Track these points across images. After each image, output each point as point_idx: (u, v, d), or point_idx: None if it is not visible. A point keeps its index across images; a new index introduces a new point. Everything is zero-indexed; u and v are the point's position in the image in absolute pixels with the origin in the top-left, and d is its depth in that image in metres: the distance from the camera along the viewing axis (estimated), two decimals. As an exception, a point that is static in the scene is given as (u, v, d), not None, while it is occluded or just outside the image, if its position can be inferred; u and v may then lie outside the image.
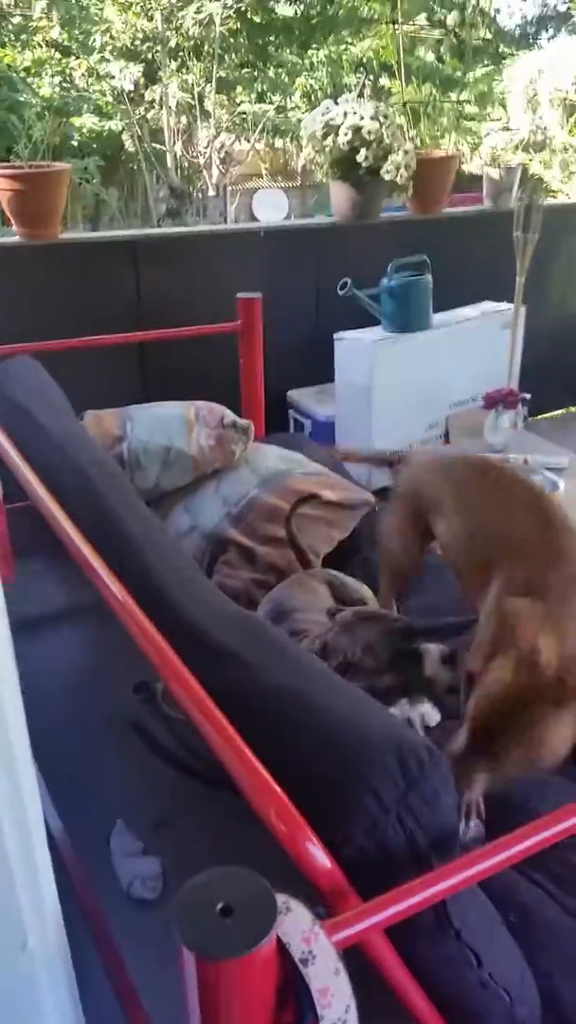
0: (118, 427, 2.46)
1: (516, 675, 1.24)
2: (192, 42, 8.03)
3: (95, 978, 1.38)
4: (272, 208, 8.77)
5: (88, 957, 1.45)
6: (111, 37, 7.75)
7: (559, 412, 4.62)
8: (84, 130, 8.02)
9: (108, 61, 7.81)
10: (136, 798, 1.82)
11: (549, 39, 9.46)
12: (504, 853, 0.85)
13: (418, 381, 3.38)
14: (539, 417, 4.30)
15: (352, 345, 3.29)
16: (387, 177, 3.35)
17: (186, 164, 8.71)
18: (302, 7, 8.65)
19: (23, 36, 7.73)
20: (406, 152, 3.34)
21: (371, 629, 1.64)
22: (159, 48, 7.75)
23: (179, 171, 8.56)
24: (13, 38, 7.70)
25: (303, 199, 9.96)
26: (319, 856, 0.83)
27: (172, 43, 7.90)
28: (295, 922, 0.73)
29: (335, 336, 3.34)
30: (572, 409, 4.54)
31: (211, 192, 8.51)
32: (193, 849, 1.62)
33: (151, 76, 8.09)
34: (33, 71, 7.75)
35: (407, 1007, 0.94)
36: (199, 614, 1.25)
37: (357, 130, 3.30)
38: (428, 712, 1.64)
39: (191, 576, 1.43)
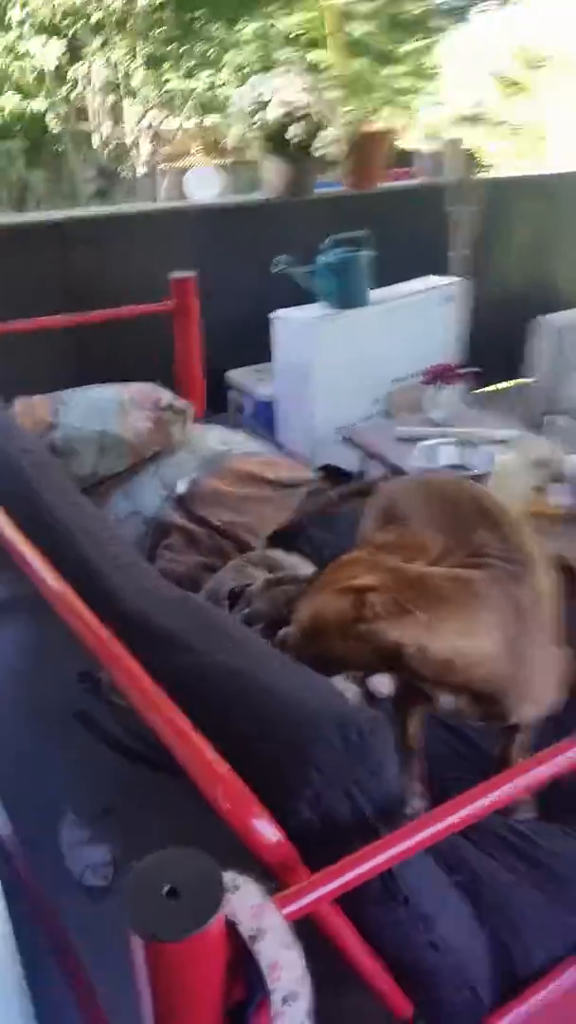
0: (50, 413, 2.41)
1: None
2: (116, 16, 7.85)
3: (47, 970, 1.37)
4: (205, 186, 8.66)
5: (40, 950, 1.43)
6: (30, 12, 7.53)
7: (501, 385, 4.67)
8: (5, 112, 7.80)
9: (27, 38, 7.59)
10: (83, 787, 1.79)
11: (481, 12, 9.47)
12: (448, 819, 0.86)
13: (359, 358, 3.38)
14: (481, 390, 4.35)
15: (289, 323, 3.27)
16: (319, 153, 3.33)
17: (114, 144, 8.54)
18: (229, -21, 8.53)
19: None
20: (338, 127, 3.32)
21: (287, 588, 1.64)
22: (81, 23, 7.56)
23: (107, 151, 8.39)
24: None
25: (236, 177, 9.86)
26: (266, 831, 0.83)
27: (95, 18, 7.72)
28: (244, 899, 0.73)
29: (272, 315, 3.31)
30: (513, 382, 4.59)
31: (141, 172, 8.37)
32: (143, 834, 1.60)
33: (74, 53, 7.89)
34: (-52, 50, 7.52)
35: (361, 973, 0.94)
36: (137, 600, 1.24)
37: (287, 105, 3.27)
38: (381, 681, 1.67)
39: (129, 562, 1.42)
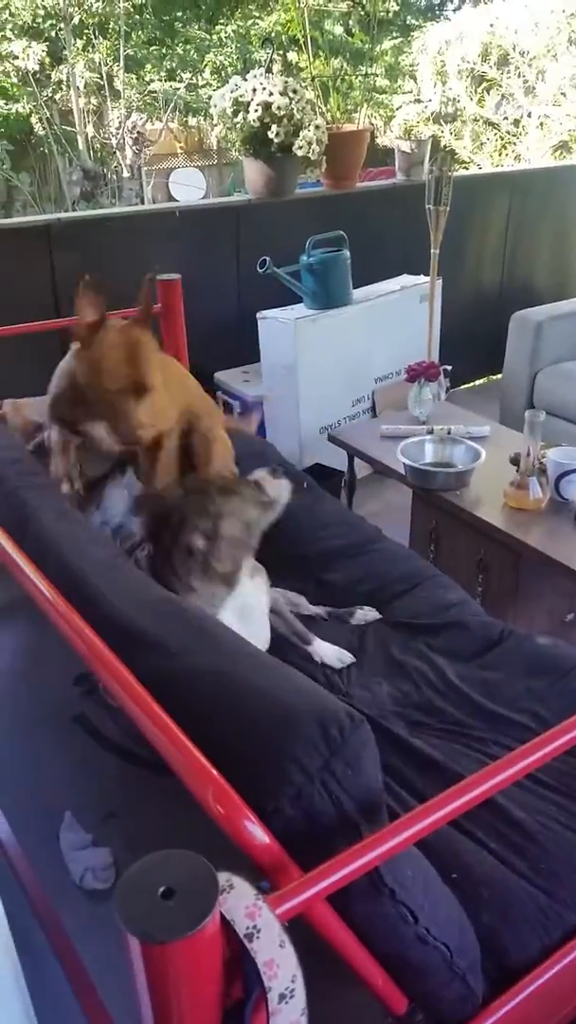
0: (39, 414, 2.41)
1: None
2: (97, 18, 7.84)
3: (50, 972, 1.38)
4: (189, 187, 8.66)
5: (41, 952, 1.44)
6: (11, 15, 7.52)
7: (478, 382, 4.70)
8: (-10, 114, 7.79)
9: (9, 40, 7.57)
10: (83, 790, 1.81)
11: (455, 10, 9.51)
12: (434, 815, 0.87)
13: (342, 357, 3.40)
14: (460, 387, 4.38)
15: (275, 323, 3.28)
16: (299, 153, 3.34)
17: (99, 146, 8.53)
18: (207, -20, 8.53)
19: None
20: (317, 127, 3.33)
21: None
22: (63, 26, 7.55)
23: (92, 153, 8.38)
24: None
25: (220, 177, 9.86)
26: (258, 833, 0.84)
27: (76, 20, 7.70)
28: (238, 899, 0.75)
29: (258, 315, 3.33)
30: (490, 378, 4.62)
31: (126, 174, 8.36)
32: (143, 836, 1.62)
33: (56, 55, 7.88)
34: None
35: (352, 967, 0.96)
36: (119, 603, 1.25)
37: (267, 106, 3.28)
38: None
39: (111, 566, 1.43)
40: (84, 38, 8.02)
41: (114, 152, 8.42)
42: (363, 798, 0.95)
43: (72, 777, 1.86)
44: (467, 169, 6.28)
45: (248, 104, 3.30)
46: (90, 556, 1.42)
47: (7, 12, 7.49)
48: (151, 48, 8.89)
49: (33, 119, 8.14)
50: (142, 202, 8.16)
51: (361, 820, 0.94)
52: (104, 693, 1.92)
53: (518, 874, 1.26)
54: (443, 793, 0.88)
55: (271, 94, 3.27)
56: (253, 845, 0.84)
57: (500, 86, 6.91)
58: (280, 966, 0.75)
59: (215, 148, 9.83)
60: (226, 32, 9.10)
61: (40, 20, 7.66)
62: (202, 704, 1.04)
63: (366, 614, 1.93)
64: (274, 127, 3.29)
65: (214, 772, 0.87)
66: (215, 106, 3.42)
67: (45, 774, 1.87)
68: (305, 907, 0.81)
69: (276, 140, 3.32)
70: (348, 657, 1.79)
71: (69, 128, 8.25)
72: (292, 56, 7.19)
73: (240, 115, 3.33)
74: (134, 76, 8.69)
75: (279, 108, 3.27)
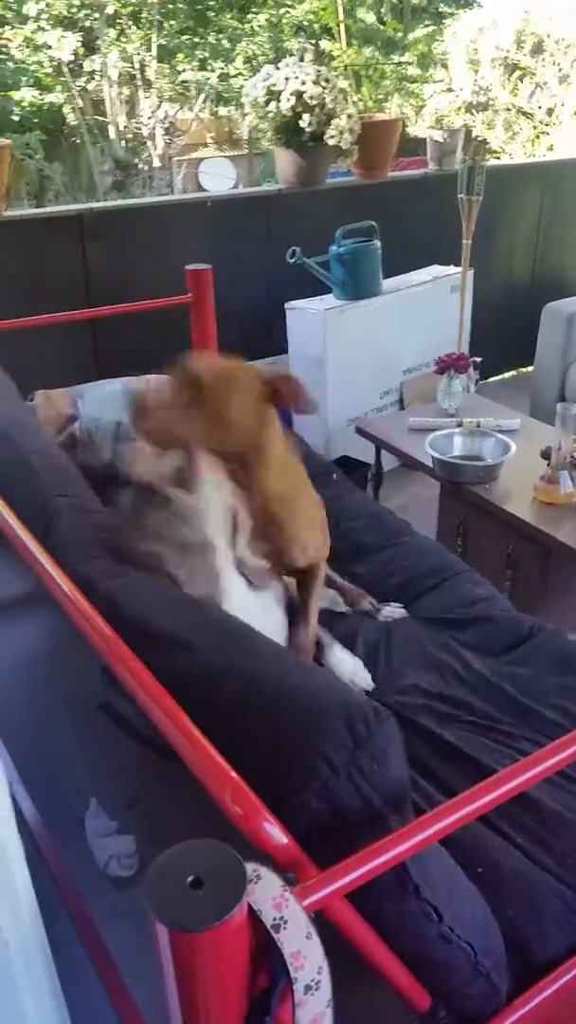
0: (70, 405, 2.42)
1: None
2: (130, 8, 7.84)
3: (76, 959, 1.40)
4: (219, 177, 8.66)
5: (68, 939, 1.46)
6: (47, 5, 7.54)
7: (508, 374, 4.66)
8: (24, 104, 7.82)
9: (45, 31, 7.60)
10: (108, 778, 1.82)
11: (489, -3, 9.39)
12: (461, 811, 0.87)
13: (371, 348, 3.39)
14: (489, 380, 4.34)
15: (303, 314, 3.27)
16: (331, 142, 3.32)
17: (130, 135, 8.55)
18: (240, -30, 8.51)
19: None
20: (349, 116, 3.31)
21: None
22: (96, 16, 7.56)
23: (123, 143, 8.40)
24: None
25: (250, 167, 9.84)
26: (275, 834, 0.84)
27: (110, 10, 7.71)
28: (266, 889, 0.75)
29: (287, 305, 3.32)
30: (521, 370, 4.58)
31: (156, 163, 8.37)
32: (167, 825, 1.63)
33: (90, 45, 7.90)
34: (-34, 44, 7.54)
35: (374, 965, 0.96)
36: (139, 602, 1.25)
37: (299, 95, 3.26)
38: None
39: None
40: (117, 28, 8.03)
41: (145, 142, 8.43)
42: (389, 792, 0.95)
43: (97, 764, 1.87)
44: (498, 159, 6.20)
45: (280, 93, 3.29)
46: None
47: (43, 3, 7.50)
48: (183, 37, 8.88)
49: (66, 109, 8.17)
50: (172, 192, 8.17)
51: (387, 814, 0.93)
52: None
53: (544, 869, 1.26)
54: (470, 789, 0.88)
55: (303, 83, 3.25)
56: (272, 845, 0.84)
57: (534, 74, 6.82)
58: (307, 957, 0.75)
59: (245, 138, 9.80)
60: (258, 21, 9.06)
61: (75, 10, 7.68)
62: (227, 702, 1.04)
63: (393, 612, 1.92)
64: (306, 116, 3.28)
65: (232, 773, 0.87)
66: (247, 95, 3.41)
67: (71, 761, 1.88)
68: (326, 903, 0.81)
69: (308, 129, 3.30)
70: (363, 681, 1.71)
71: (101, 118, 8.27)
72: (324, 44, 7.15)
73: (272, 104, 3.32)
74: (166, 66, 8.69)
75: (311, 97, 3.25)
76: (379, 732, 0.95)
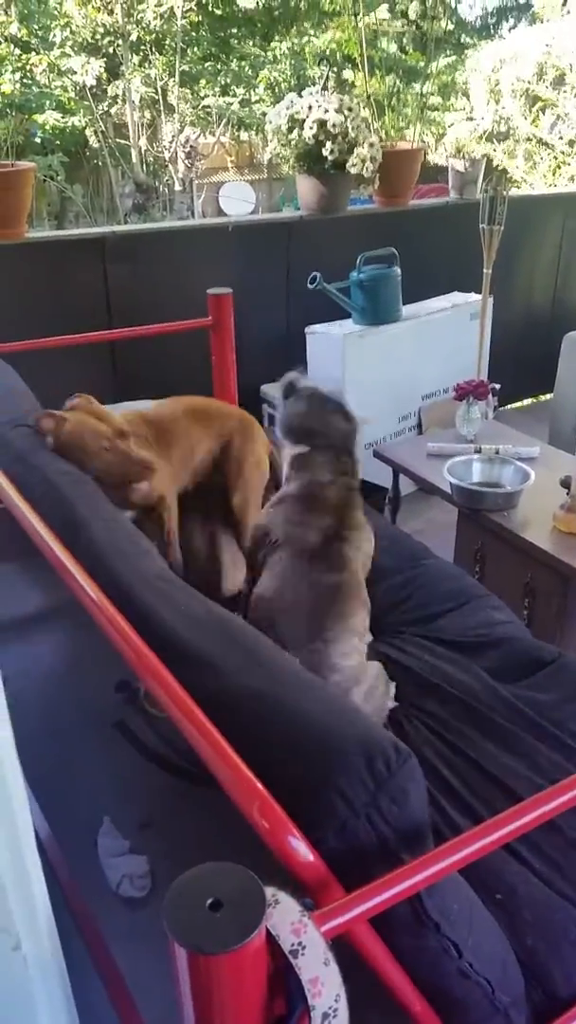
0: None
1: None
2: (153, 35, 7.96)
3: (87, 977, 1.39)
4: (239, 202, 8.75)
5: (79, 957, 1.45)
6: (71, 32, 7.67)
7: (528, 401, 4.67)
8: (47, 127, 7.94)
9: (69, 56, 7.73)
10: (121, 797, 1.82)
11: (510, 29, 9.50)
12: (481, 841, 0.86)
13: (390, 373, 3.40)
14: (508, 407, 4.35)
15: (323, 338, 3.30)
16: (353, 171, 3.36)
17: (151, 159, 8.65)
18: (263, -1, 8.63)
19: (-19, 32, 7.64)
20: (371, 145, 3.35)
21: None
22: (120, 42, 7.68)
23: (144, 166, 8.50)
24: (-29, 35, 7.61)
25: (270, 192, 9.94)
26: (302, 850, 0.84)
27: (133, 37, 7.84)
28: (284, 914, 0.74)
29: (307, 329, 3.34)
30: (540, 398, 4.58)
31: (177, 187, 8.46)
32: (180, 846, 1.63)
33: (113, 71, 8.02)
34: (-7, 68, 7.67)
35: (394, 995, 0.95)
36: (170, 620, 1.25)
37: (322, 124, 3.31)
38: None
39: (163, 580, 1.43)
40: (141, 54, 8.15)
41: (166, 165, 8.53)
42: (408, 832, 0.93)
43: (111, 783, 1.87)
44: (519, 188, 6.24)
45: (303, 121, 3.33)
46: (141, 570, 1.43)
47: (68, 30, 7.64)
48: (206, 64, 9.00)
49: (88, 132, 8.28)
50: (192, 215, 8.25)
51: (406, 855, 0.92)
52: (144, 701, 1.94)
53: (563, 896, 1.24)
54: (488, 821, 0.88)
55: (326, 111, 3.30)
56: (297, 862, 0.84)
57: (555, 106, 6.87)
58: (325, 984, 0.75)
59: (265, 163, 9.90)
60: (280, 49, 9.18)
61: (99, 37, 7.81)
62: (247, 725, 1.03)
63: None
64: (328, 144, 3.32)
65: (260, 786, 0.87)
66: (270, 122, 3.46)
67: (85, 779, 1.88)
68: (349, 927, 0.81)
69: (330, 157, 3.34)
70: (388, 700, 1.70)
71: (123, 141, 8.37)
72: (347, 74, 7.23)
73: (295, 132, 3.36)
74: (188, 91, 8.81)
75: (334, 125, 3.29)
76: (400, 772, 0.94)
